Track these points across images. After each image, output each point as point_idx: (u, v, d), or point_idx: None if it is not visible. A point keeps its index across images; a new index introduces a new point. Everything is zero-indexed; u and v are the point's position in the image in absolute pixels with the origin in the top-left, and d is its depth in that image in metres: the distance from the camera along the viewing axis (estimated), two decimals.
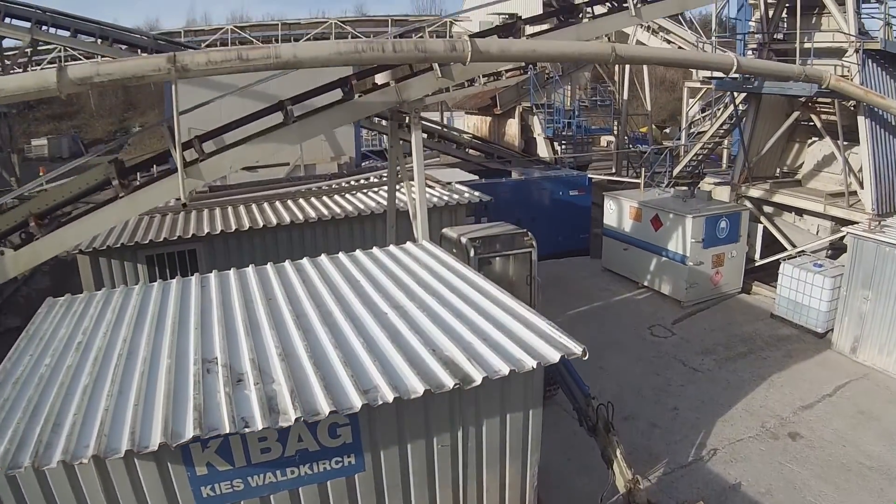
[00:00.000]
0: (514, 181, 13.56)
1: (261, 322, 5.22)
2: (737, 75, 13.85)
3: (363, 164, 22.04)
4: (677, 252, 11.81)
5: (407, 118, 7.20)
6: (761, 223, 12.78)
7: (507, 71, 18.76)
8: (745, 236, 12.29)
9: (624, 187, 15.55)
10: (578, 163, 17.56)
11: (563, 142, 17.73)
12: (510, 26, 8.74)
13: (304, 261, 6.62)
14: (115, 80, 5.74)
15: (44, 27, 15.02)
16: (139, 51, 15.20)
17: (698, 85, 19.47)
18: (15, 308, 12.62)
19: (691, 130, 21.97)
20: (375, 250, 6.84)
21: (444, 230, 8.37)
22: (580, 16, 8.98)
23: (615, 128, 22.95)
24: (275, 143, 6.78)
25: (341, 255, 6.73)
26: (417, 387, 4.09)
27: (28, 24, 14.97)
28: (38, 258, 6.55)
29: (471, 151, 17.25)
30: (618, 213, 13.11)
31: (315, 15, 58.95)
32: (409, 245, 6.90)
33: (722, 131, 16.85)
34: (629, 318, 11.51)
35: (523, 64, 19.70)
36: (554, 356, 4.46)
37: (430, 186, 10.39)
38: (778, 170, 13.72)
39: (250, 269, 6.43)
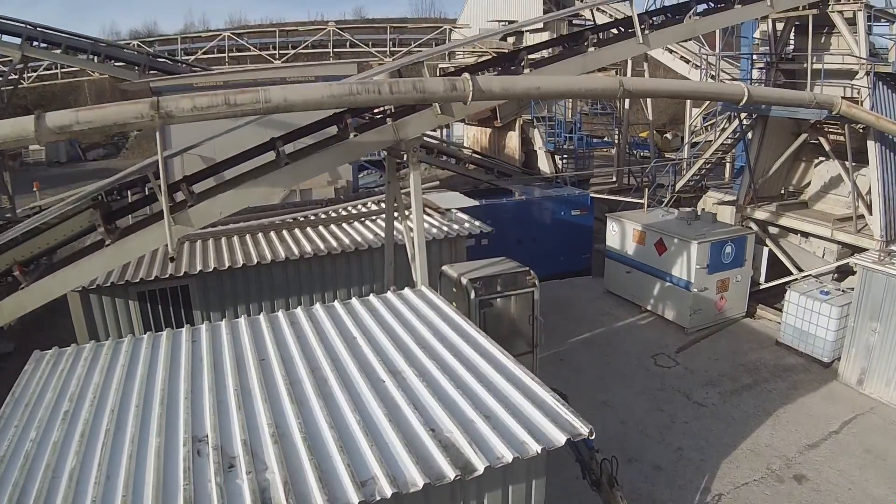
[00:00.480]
0: (515, 202, 13.35)
1: (253, 390, 5.02)
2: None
3: (360, 174, 21.79)
4: (681, 278, 11.62)
5: (405, 156, 6.96)
6: (767, 245, 12.58)
7: None
8: (750, 260, 12.11)
9: (626, 207, 15.32)
10: (580, 177, 17.34)
11: (565, 156, 17.49)
12: (512, 56, 8.50)
13: (299, 311, 6.41)
14: (95, 128, 5.53)
15: (34, 43, 14.73)
16: (136, 68, 14.89)
17: None
18: (7, 333, 12.41)
19: (695, 141, 21.74)
20: (372, 298, 6.63)
21: (444, 268, 8.16)
22: (584, 43, 8.73)
23: (616, 137, 22.69)
24: (267, 186, 6.57)
25: (336, 305, 6.52)
26: (417, 479, 3.89)
27: (18, 41, 14.69)
28: (23, 309, 6.36)
29: (470, 166, 17.01)
30: (620, 235, 12.91)
31: (313, 17, 58.85)
32: (407, 292, 6.69)
33: (725, 146, 16.64)
34: (632, 345, 11.33)
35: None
36: (560, 438, 4.26)
37: (428, 215, 10.17)
38: (783, 189, 13.51)
39: (243, 322, 6.22)
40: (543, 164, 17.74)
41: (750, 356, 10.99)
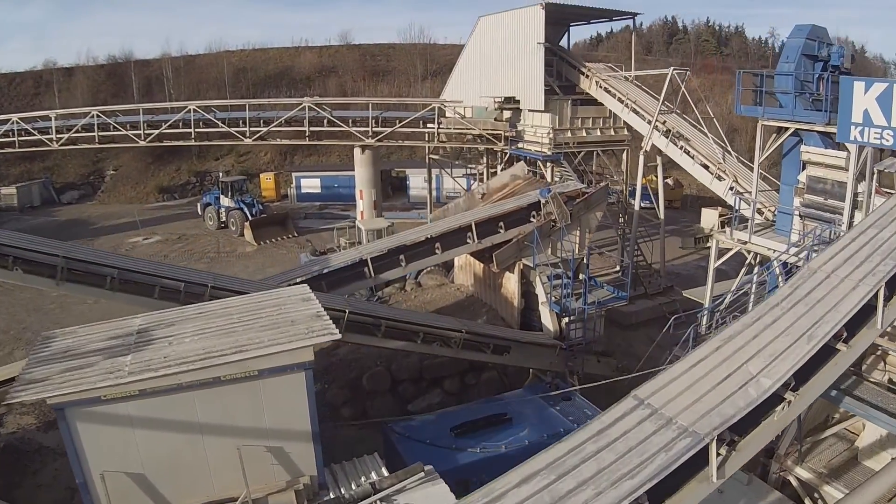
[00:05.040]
0: (517, 450, 11.33)
1: None
2: None
3: None
4: None
5: None
6: None
7: (505, 225, 16.22)
8: None
9: None
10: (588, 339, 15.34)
11: (569, 316, 15.25)
12: None
13: None
14: None
15: None
16: (58, 272, 12.42)
17: (729, 244, 16.04)
18: None
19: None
20: None
21: None
22: None
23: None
24: None
25: None
26: None
27: None
28: None
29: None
30: None
31: (297, 43, 54.91)
32: None
33: None
34: None
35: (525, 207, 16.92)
36: None
37: None
38: (828, 416, 11.55)
39: None
40: (546, 321, 15.67)
41: None
